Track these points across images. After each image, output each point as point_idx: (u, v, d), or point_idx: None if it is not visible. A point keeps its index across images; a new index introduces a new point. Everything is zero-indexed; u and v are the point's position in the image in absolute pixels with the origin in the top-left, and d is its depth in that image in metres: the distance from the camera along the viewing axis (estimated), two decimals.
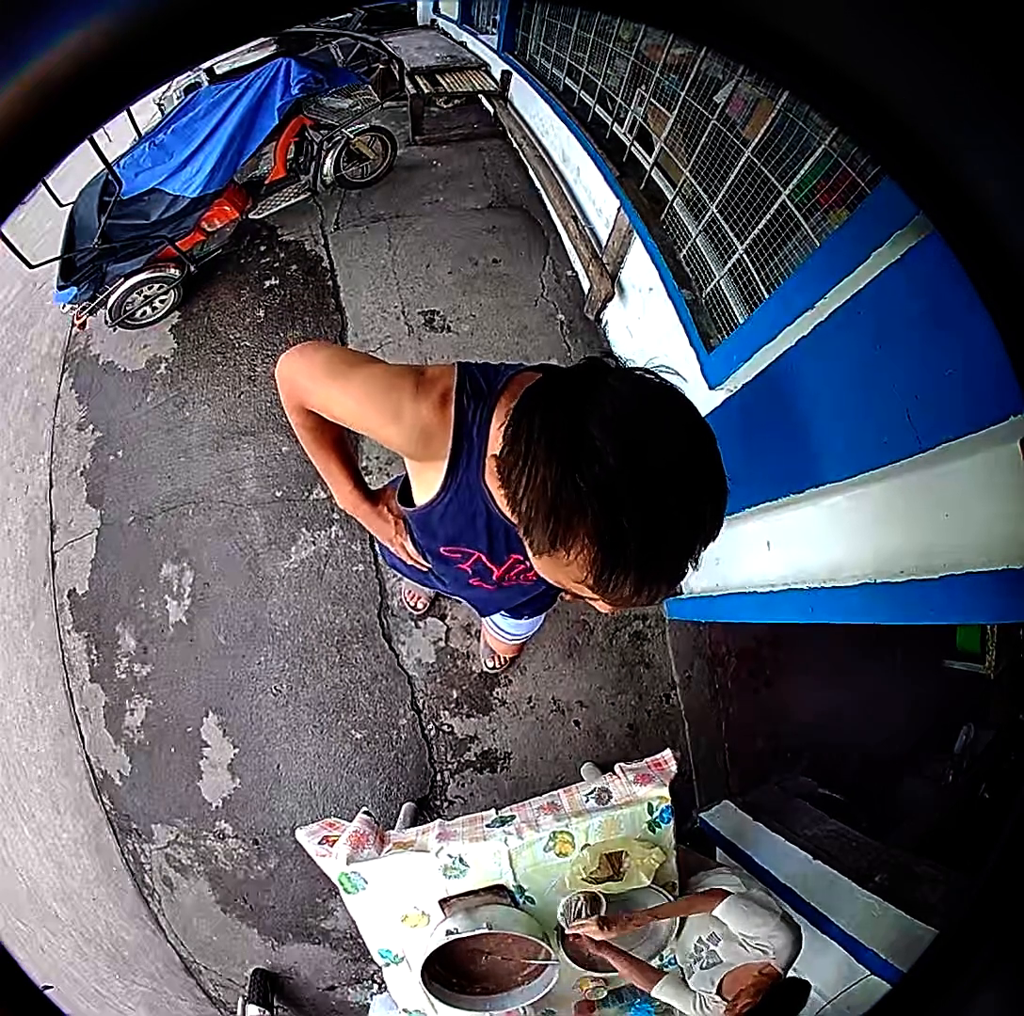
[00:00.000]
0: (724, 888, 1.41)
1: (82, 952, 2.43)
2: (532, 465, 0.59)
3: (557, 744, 2.46)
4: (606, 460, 0.55)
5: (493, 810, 1.54)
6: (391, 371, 0.84)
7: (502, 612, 1.48)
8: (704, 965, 1.40)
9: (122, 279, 3.03)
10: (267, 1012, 2.16)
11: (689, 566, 0.60)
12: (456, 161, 4.24)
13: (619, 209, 2.74)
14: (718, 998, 1.31)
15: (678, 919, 1.50)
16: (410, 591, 2.53)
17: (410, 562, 1.22)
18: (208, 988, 2.38)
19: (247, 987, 2.24)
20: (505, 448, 0.64)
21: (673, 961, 1.53)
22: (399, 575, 2.24)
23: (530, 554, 0.67)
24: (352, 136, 3.64)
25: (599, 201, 3.15)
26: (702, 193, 2.23)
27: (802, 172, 1.66)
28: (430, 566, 1.17)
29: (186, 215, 3.10)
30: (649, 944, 1.54)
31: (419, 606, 2.54)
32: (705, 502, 0.59)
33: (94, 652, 2.67)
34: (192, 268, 3.29)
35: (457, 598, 1.48)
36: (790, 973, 1.29)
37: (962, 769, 2.63)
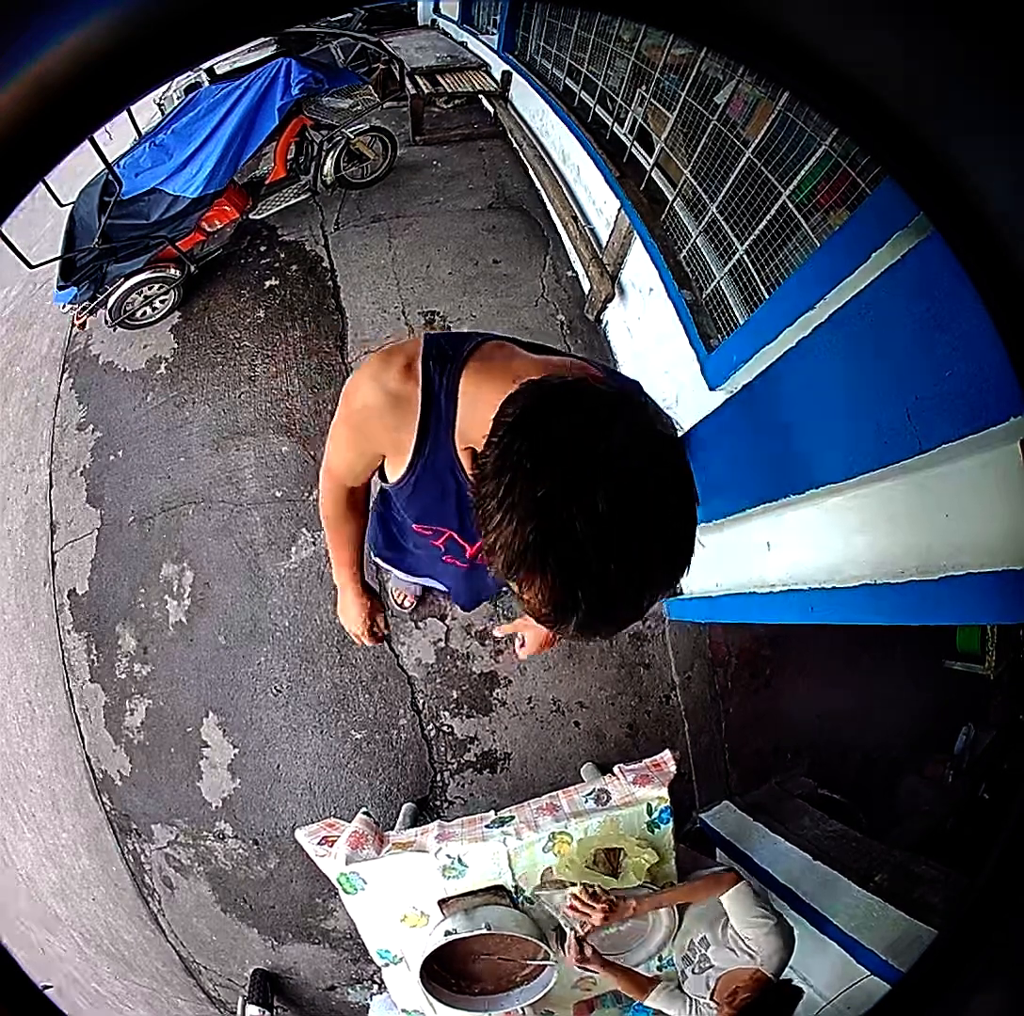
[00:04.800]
0: (736, 869, 1.41)
1: (82, 952, 2.43)
2: (510, 514, 0.55)
3: (557, 744, 2.46)
4: (584, 543, 0.53)
5: (492, 811, 1.54)
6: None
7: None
8: (696, 969, 1.40)
9: (122, 279, 3.03)
10: (267, 1012, 2.16)
11: (637, 615, 0.60)
12: (456, 161, 4.24)
13: (619, 209, 2.74)
14: (713, 1003, 1.31)
15: (677, 920, 1.50)
16: (397, 589, 2.54)
17: (369, 629, 1.36)
18: (208, 988, 2.38)
19: (247, 987, 2.24)
20: (489, 471, 0.57)
21: (672, 962, 1.53)
22: (386, 571, 2.25)
23: None
24: (352, 136, 3.63)
25: (599, 201, 3.15)
26: (702, 193, 2.23)
27: (802, 172, 1.66)
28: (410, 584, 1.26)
29: (186, 215, 3.09)
30: (649, 944, 1.54)
31: (406, 603, 2.55)
32: (668, 573, 0.58)
33: (94, 652, 2.67)
34: (192, 268, 3.29)
35: (436, 584, 1.56)
36: (786, 975, 1.30)
37: (962, 769, 2.63)
